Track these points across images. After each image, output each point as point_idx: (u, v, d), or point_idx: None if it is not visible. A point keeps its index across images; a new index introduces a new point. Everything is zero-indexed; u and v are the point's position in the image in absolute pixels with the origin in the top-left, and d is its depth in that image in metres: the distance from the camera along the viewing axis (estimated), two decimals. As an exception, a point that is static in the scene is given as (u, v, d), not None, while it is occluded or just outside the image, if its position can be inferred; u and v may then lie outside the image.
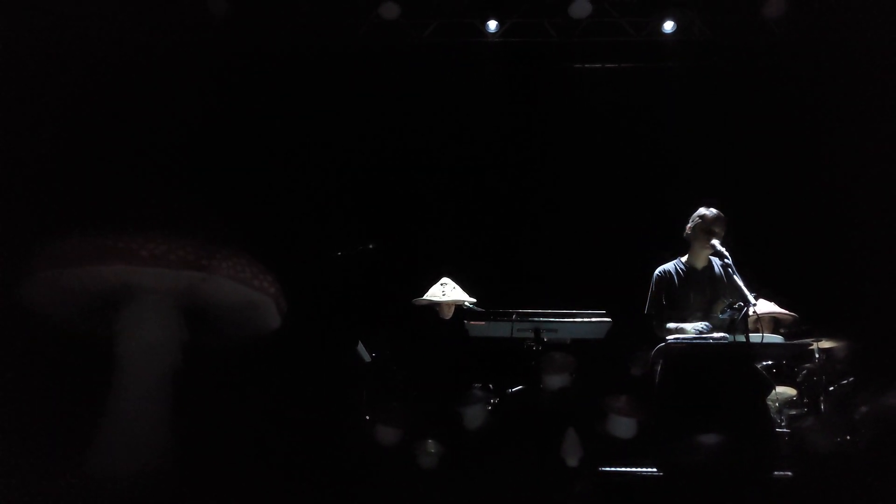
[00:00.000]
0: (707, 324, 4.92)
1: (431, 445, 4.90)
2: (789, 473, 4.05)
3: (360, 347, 5.89)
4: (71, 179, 5.39)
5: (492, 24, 7.92)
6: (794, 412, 5.99)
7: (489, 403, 5.46)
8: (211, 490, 3.82)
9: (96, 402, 3.97)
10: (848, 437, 5.27)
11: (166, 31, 6.47)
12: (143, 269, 3.90)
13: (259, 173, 7.12)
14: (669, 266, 5.29)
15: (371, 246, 6.16)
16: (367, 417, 5.46)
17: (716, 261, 5.17)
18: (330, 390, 5.62)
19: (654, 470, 4.29)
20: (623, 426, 5.17)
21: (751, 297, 4.54)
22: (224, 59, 7.07)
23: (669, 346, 4.70)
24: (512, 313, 5.15)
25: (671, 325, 5.04)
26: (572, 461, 4.73)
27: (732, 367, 4.54)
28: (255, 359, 5.27)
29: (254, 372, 5.33)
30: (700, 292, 5.13)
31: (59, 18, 5.47)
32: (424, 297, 6.22)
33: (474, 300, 6.16)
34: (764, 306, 5.84)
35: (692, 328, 4.90)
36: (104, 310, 4.16)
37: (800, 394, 6.06)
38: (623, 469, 4.33)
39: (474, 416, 5.28)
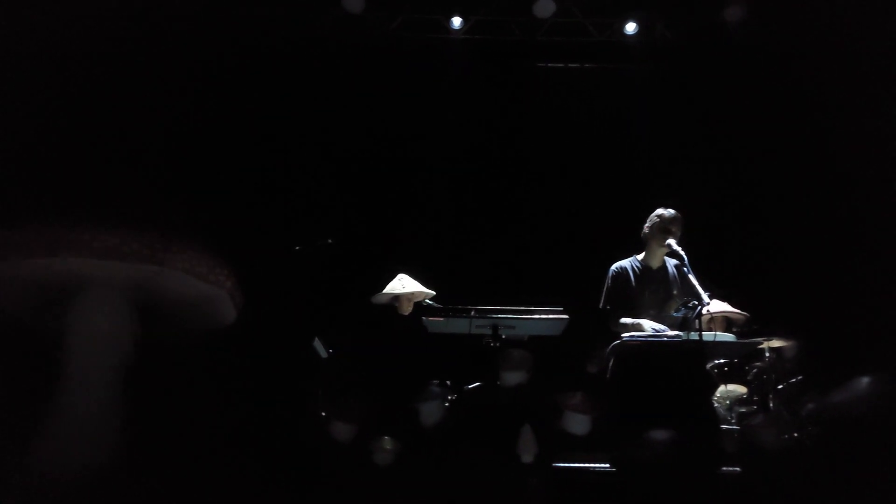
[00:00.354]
0: (663, 326, 4.98)
1: (387, 442, 4.90)
2: (738, 469, 4.12)
3: (317, 343, 5.87)
4: (21, 169, 5.27)
5: (456, 21, 7.95)
6: (743, 410, 6.09)
7: (446, 400, 5.48)
8: (162, 487, 3.78)
9: (46, 396, 3.89)
10: (795, 434, 5.39)
11: (118, 18, 6.34)
12: (95, 262, 3.83)
13: (216, 166, 7.03)
14: (626, 263, 5.35)
15: (329, 241, 6.13)
16: (323, 413, 5.43)
17: (671, 260, 5.24)
18: (286, 386, 5.59)
19: (608, 466, 4.33)
20: (578, 423, 5.22)
21: (705, 297, 4.61)
22: (183, 51, 6.96)
23: (624, 343, 4.75)
24: (470, 310, 5.17)
25: (627, 321, 5.09)
26: (527, 457, 4.76)
27: (684, 365, 4.63)
28: (209, 354, 5.21)
29: (208, 367, 5.27)
30: (654, 291, 5.20)
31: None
32: (383, 291, 6.21)
33: (433, 293, 6.17)
34: (717, 306, 5.94)
35: (649, 326, 4.96)
36: (55, 303, 4.08)
37: (750, 392, 6.16)
38: (577, 465, 4.36)
39: (431, 412, 5.29)
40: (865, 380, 4.03)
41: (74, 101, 5.93)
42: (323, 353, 5.92)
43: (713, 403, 5.86)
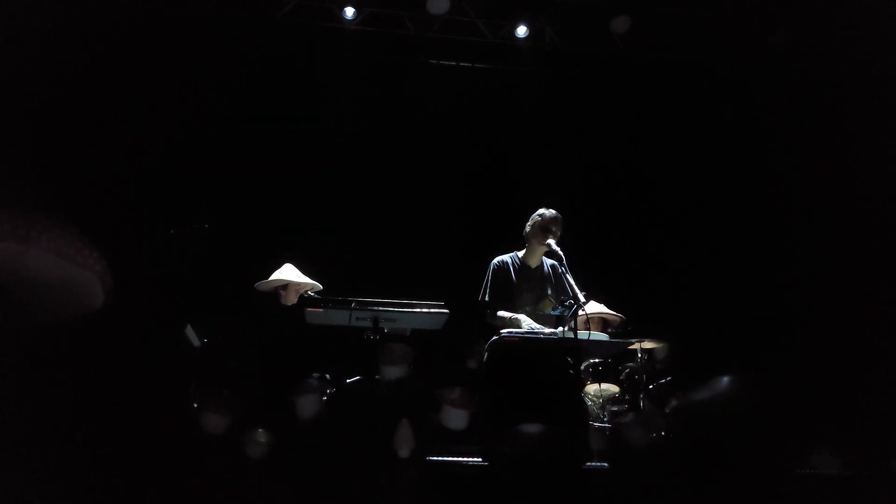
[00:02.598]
0: (540, 325, 5.08)
1: (261, 435, 4.81)
2: (605, 465, 4.25)
3: (189, 331, 5.67)
4: None
5: (349, 11, 7.85)
6: (615, 408, 6.28)
7: (324, 393, 5.41)
8: (20, 483, 3.59)
9: None
10: (664, 433, 5.60)
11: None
12: (-52, 238, 3.57)
13: (89, 142, 6.69)
14: (506, 258, 5.43)
15: (206, 225, 5.94)
16: (195, 405, 5.27)
17: (548, 260, 5.36)
18: (156, 376, 5.38)
19: (480, 459, 4.38)
20: (456, 418, 5.26)
21: (581, 297, 4.73)
22: (59, 27, 6.59)
23: (502, 339, 4.82)
24: (351, 301, 5.12)
25: (505, 315, 5.15)
26: (404, 452, 4.76)
27: (558, 362, 4.74)
28: (75, 341, 4.96)
29: (73, 355, 5.02)
30: (530, 289, 5.30)
31: None
32: (271, 278, 6.07)
33: (321, 286, 6.08)
34: (593, 307, 6.11)
35: (527, 322, 5.04)
36: None
37: (622, 391, 6.36)
38: (449, 458, 4.39)
39: (308, 405, 5.22)
40: (725, 379, 4.24)
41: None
42: (196, 342, 5.73)
43: (584, 400, 6.03)
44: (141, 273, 5.83)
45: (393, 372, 5.34)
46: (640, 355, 6.38)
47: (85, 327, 4.67)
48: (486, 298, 5.28)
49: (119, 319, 4.87)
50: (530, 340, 4.77)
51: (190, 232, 5.92)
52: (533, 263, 5.38)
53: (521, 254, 5.44)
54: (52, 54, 6.39)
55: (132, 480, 3.97)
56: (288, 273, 6.09)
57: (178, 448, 4.52)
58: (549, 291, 5.26)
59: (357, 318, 5.17)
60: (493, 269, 5.37)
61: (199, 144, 7.44)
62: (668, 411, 5.55)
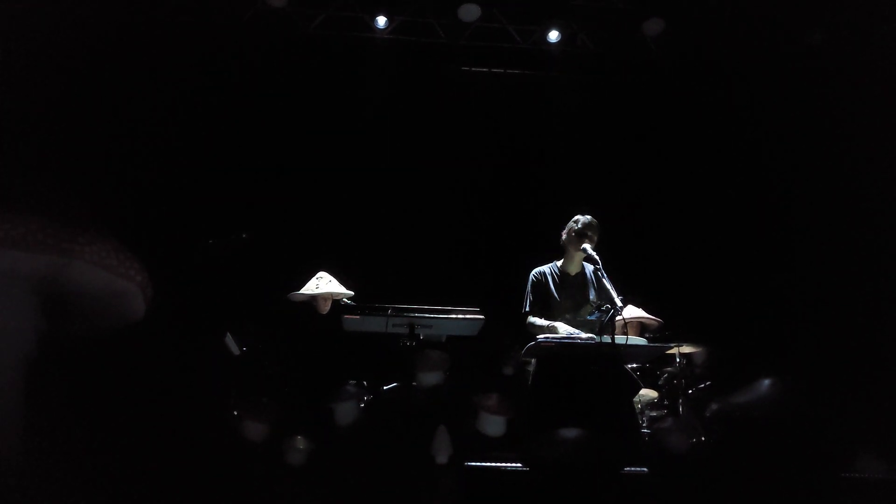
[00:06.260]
0: (577, 330, 5.05)
1: (300, 442, 4.84)
2: (645, 470, 4.20)
3: (229, 339, 5.74)
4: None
5: (381, 21, 7.90)
6: (654, 413, 6.23)
7: (362, 400, 5.43)
8: (65, 488, 3.64)
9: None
10: (703, 439, 5.53)
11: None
12: (-3, 251, 3.65)
13: (128, 155, 6.82)
14: (545, 268, 5.41)
15: (244, 235, 6.01)
16: (235, 412, 5.33)
17: (588, 265, 5.33)
18: (196, 384, 5.45)
19: (520, 465, 4.36)
20: (493, 424, 5.25)
21: (618, 301, 4.70)
22: (100, 40, 6.72)
23: (540, 344, 4.80)
24: (387, 308, 5.15)
25: (542, 322, 5.14)
26: (442, 458, 4.76)
27: (599, 366, 4.72)
28: (117, 350, 5.04)
29: (116, 364, 5.10)
30: (570, 296, 5.27)
31: None
32: (301, 291, 6.13)
33: (352, 293, 6.11)
34: (631, 311, 6.06)
35: (564, 329, 5.02)
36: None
37: (661, 396, 6.31)
38: (489, 464, 4.38)
39: (346, 412, 5.24)
40: (766, 382, 4.17)
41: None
42: (235, 351, 5.80)
43: (632, 404, 5.98)
44: (181, 283, 5.91)
45: (429, 378, 5.34)
46: (678, 360, 6.32)
47: (126, 338, 4.75)
48: (528, 309, 5.28)
49: (160, 330, 4.94)
50: (568, 345, 4.76)
51: (229, 241, 5.99)
52: (572, 270, 5.36)
53: (559, 263, 5.43)
54: (88, 65, 6.51)
55: (172, 488, 4.02)
56: (311, 286, 6.14)
57: (218, 455, 4.56)
58: (592, 296, 5.24)
59: (393, 325, 5.20)
60: (533, 280, 5.35)
61: (236, 154, 7.55)
62: (707, 416, 5.48)
